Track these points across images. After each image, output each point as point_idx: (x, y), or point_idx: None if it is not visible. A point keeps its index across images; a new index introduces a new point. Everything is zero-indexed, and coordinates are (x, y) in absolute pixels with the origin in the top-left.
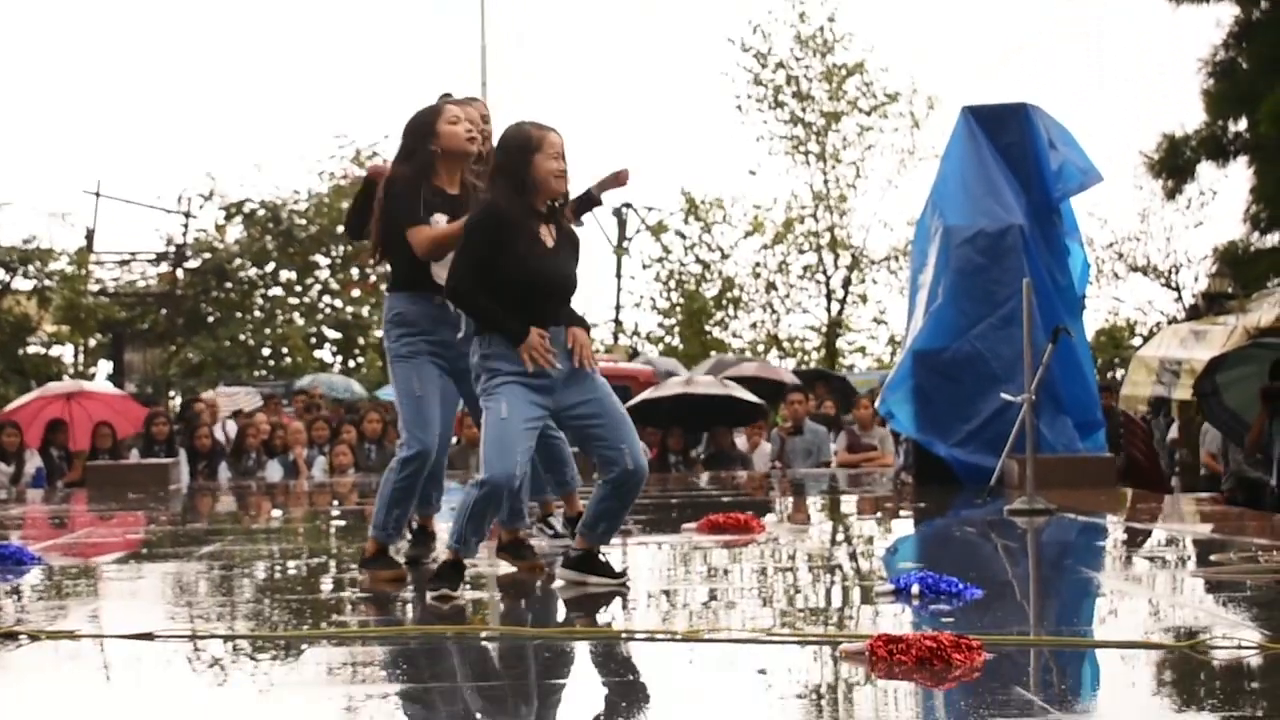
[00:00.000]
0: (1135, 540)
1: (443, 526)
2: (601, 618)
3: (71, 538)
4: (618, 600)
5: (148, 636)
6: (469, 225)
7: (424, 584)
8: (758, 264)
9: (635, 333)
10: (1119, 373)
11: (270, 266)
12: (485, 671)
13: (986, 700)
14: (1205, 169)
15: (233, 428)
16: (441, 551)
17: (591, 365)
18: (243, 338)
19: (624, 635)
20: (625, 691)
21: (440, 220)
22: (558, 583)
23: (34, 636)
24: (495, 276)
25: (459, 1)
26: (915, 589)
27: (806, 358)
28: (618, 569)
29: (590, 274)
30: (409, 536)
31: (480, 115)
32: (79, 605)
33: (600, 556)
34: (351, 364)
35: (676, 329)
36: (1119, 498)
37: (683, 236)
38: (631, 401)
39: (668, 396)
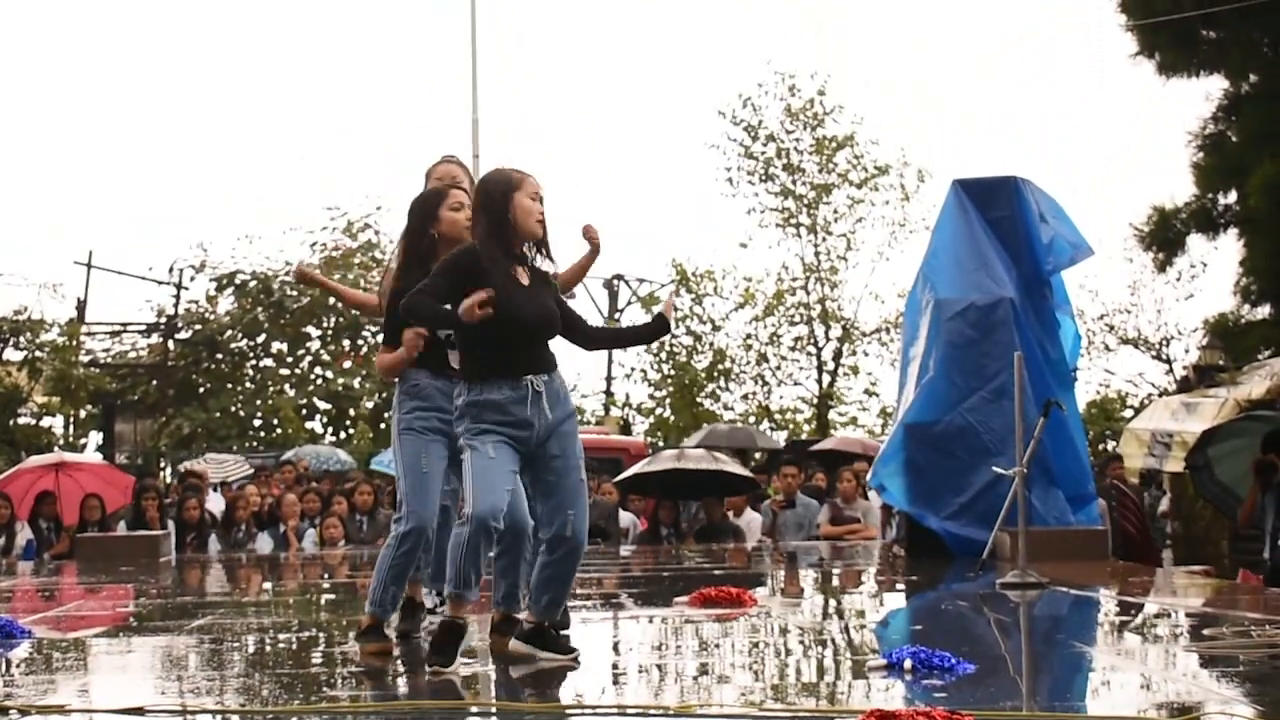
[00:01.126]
0: (1128, 614)
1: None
2: (595, 692)
3: (61, 610)
4: (610, 674)
5: (139, 711)
6: (445, 260)
7: (416, 657)
8: (749, 335)
9: (626, 404)
10: (1110, 444)
11: (261, 338)
12: None
13: None
14: (1195, 241)
15: (218, 499)
16: (429, 619)
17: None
18: (234, 409)
19: (617, 710)
20: None
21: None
22: (512, 656)
23: (24, 712)
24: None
25: (451, 75)
26: (908, 663)
27: (798, 429)
28: (569, 646)
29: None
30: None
31: (456, 179)
32: (69, 679)
33: (552, 631)
34: (343, 435)
35: (668, 401)
36: (1111, 571)
37: (675, 309)
38: (623, 475)
39: (659, 471)
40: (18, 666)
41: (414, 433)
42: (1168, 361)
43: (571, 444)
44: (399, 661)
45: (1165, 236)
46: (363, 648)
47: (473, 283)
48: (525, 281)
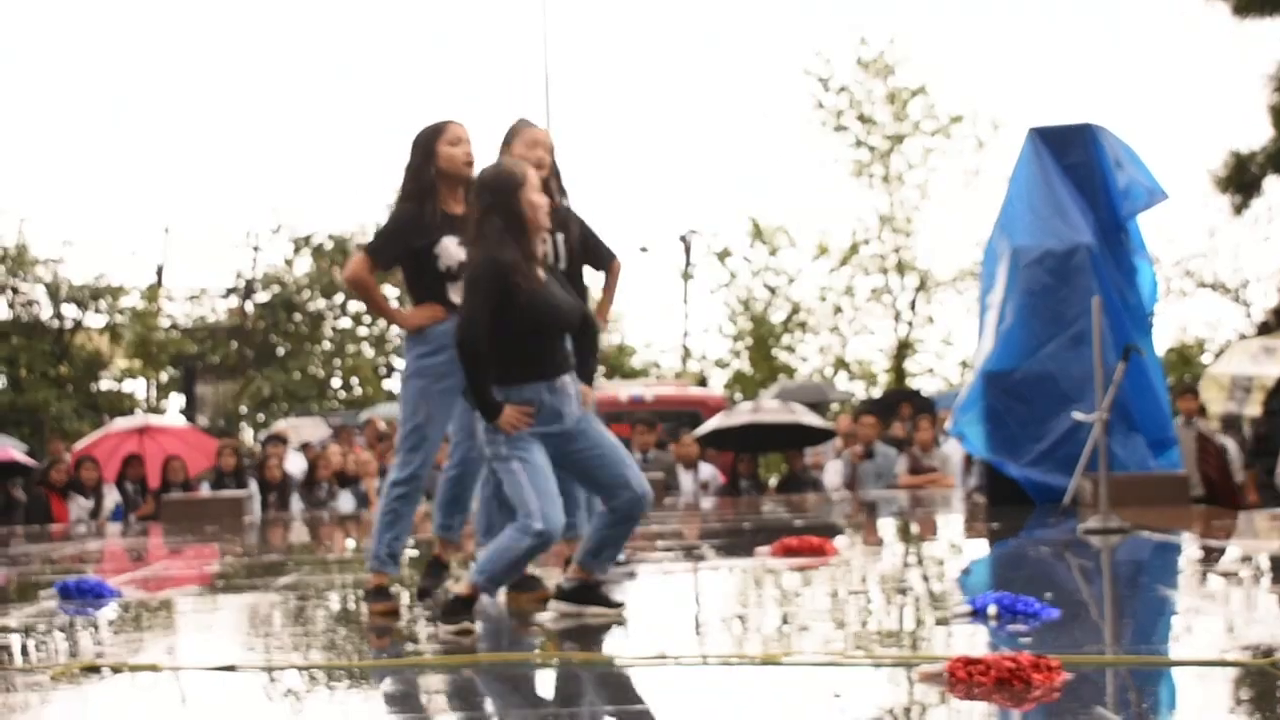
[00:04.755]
0: (1211, 557)
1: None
2: (679, 643)
3: (148, 571)
4: (694, 625)
5: (230, 669)
6: (474, 278)
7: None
8: (824, 287)
9: (703, 357)
10: None
11: (339, 298)
12: (567, 697)
13: None
14: (1273, 184)
15: (299, 459)
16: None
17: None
18: (312, 370)
19: (701, 660)
20: (704, 716)
21: (448, 243)
22: (550, 615)
23: (116, 669)
24: (518, 325)
25: (523, 32)
26: (992, 610)
27: (874, 380)
28: (613, 600)
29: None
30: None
31: (547, 146)
32: (158, 638)
33: (596, 587)
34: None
35: (744, 354)
36: (1193, 515)
37: (749, 261)
38: (701, 429)
39: (737, 425)
40: (108, 626)
41: (418, 378)
42: (1246, 305)
43: (595, 430)
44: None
45: (1242, 180)
46: (372, 607)
47: (508, 297)
48: (544, 280)
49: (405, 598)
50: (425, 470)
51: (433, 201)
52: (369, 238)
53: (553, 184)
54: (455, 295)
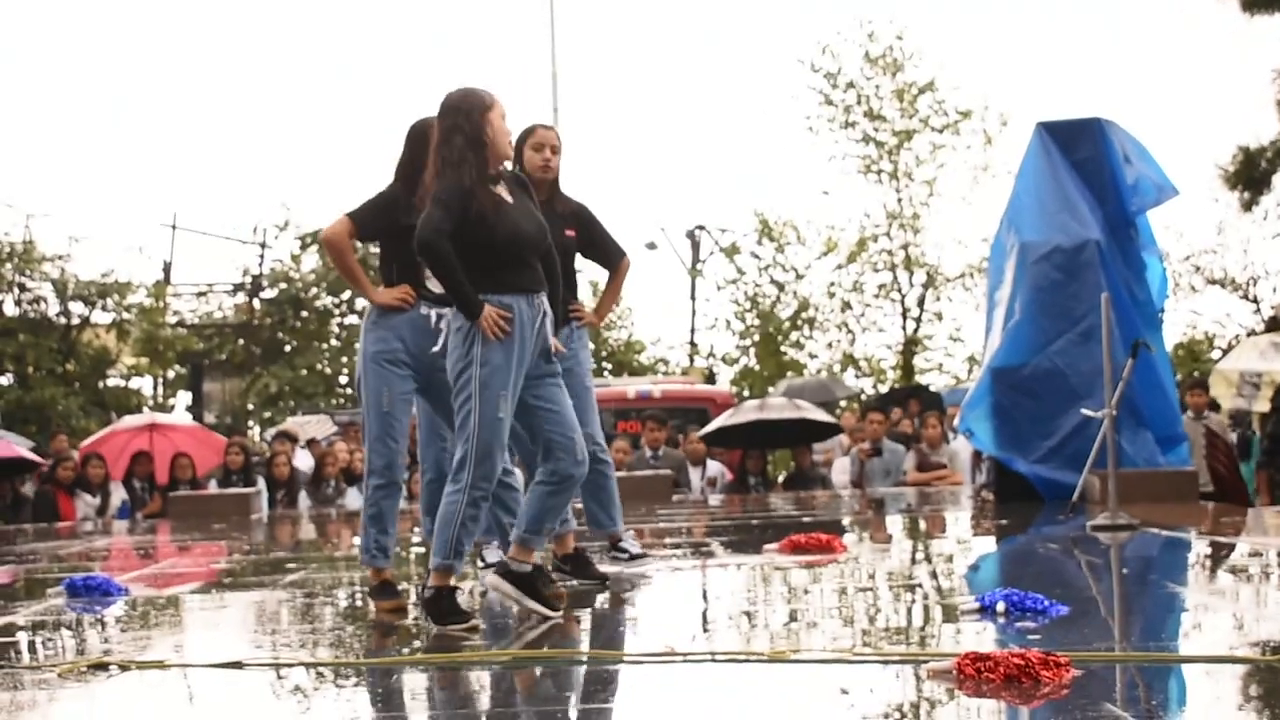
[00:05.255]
0: (1219, 554)
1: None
2: (687, 640)
3: (156, 568)
4: (701, 621)
5: (237, 665)
6: (435, 194)
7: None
8: (832, 284)
9: (711, 354)
10: None
11: (346, 295)
12: (577, 695)
13: (1077, 718)
14: None
15: (306, 456)
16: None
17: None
18: (320, 366)
19: (709, 656)
20: (712, 713)
21: None
22: (486, 590)
23: (124, 667)
24: (466, 242)
25: (529, 27)
26: (1001, 606)
27: (883, 376)
28: (556, 604)
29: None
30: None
31: (552, 146)
32: (166, 635)
33: (542, 582)
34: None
35: (752, 350)
36: (1202, 511)
37: (757, 258)
38: (707, 428)
39: (744, 423)
40: (116, 623)
41: (378, 365)
42: (1255, 301)
43: (559, 388)
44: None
45: (1251, 175)
46: (379, 603)
47: (466, 211)
48: (510, 198)
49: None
50: (400, 459)
51: (422, 187)
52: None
53: (557, 190)
54: (432, 284)
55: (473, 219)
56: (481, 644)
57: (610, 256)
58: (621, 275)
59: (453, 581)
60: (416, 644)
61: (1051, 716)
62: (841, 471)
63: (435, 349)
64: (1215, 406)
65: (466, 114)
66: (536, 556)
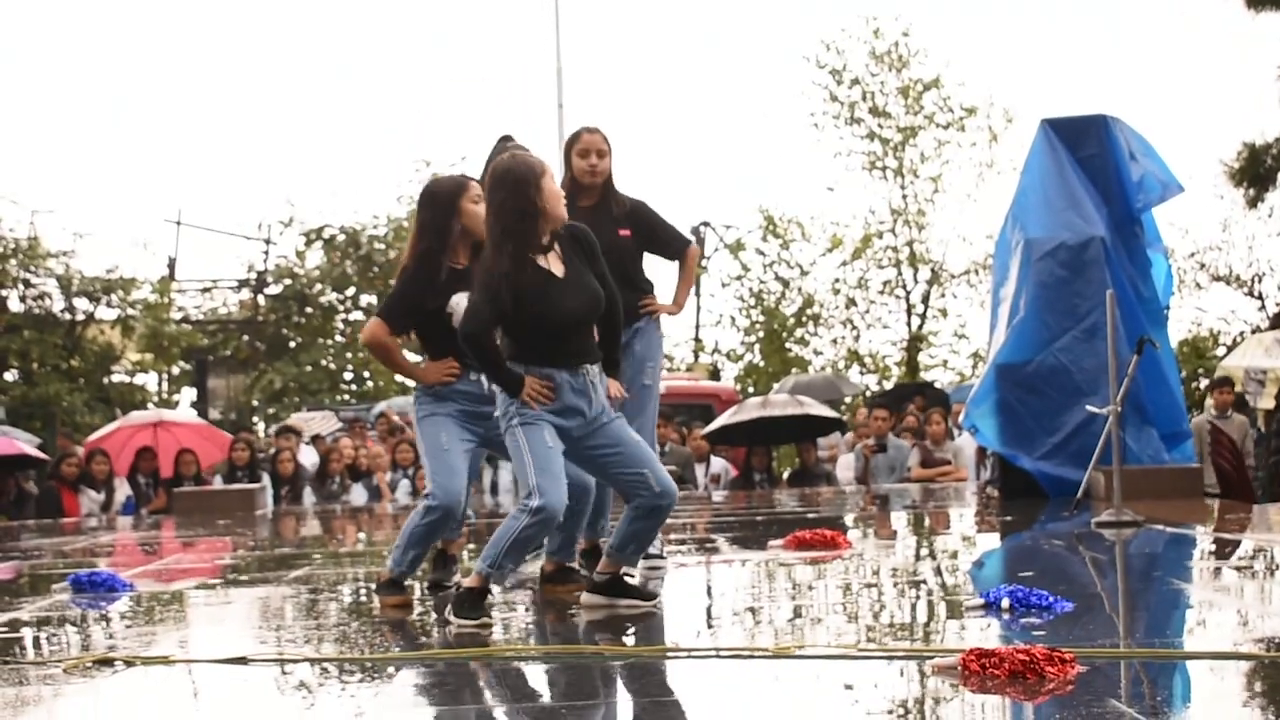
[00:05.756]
0: (1224, 551)
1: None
2: (691, 635)
3: (161, 564)
4: (706, 617)
5: (242, 661)
6: (480, 280)
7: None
8: (837, 280)
9: (715, 350)
10: (1203, 383)
11: (350, 291)
12: (579, 691)
13: (1081, 713)
14: None
15: (311, 452)
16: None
17: (618, 403)
18: (325, 362)
19: (714, 652)
20: (716, 708)
21: (459, 300)
22: (583, 609)
23: (129, 662)
24: (525, 320)
25: (534, 23)
26: (1005, 602)
27: (887, 373)
28: (649, 592)
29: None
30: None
31: (598, 150)
32: (171, 630)
33: (627, 579)
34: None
35: (757, 346)
36: (1207, 508)
37: (761, 254)
38: (710, 427)
39: (746, 420)
40: (121, 619)
41: (432, 417)
42: (1260, 298)
43: (617, 428)
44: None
45: (1256, 172)
46: (382, 600)
47: (509, 294)
48: (560, 270)
49: (416, 591)
50: (458, 496)
51: (445, 257)
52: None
53: (610, 191)
54: None
55: (517, 301)
56: (489, 639)
57: (673, 247)
58: (691, 263)
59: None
60: (421, 640)
61: (1056, 712)
62: (846, 467)
63: (497, 412)
64: (1241, 405)
65: (514, 187)
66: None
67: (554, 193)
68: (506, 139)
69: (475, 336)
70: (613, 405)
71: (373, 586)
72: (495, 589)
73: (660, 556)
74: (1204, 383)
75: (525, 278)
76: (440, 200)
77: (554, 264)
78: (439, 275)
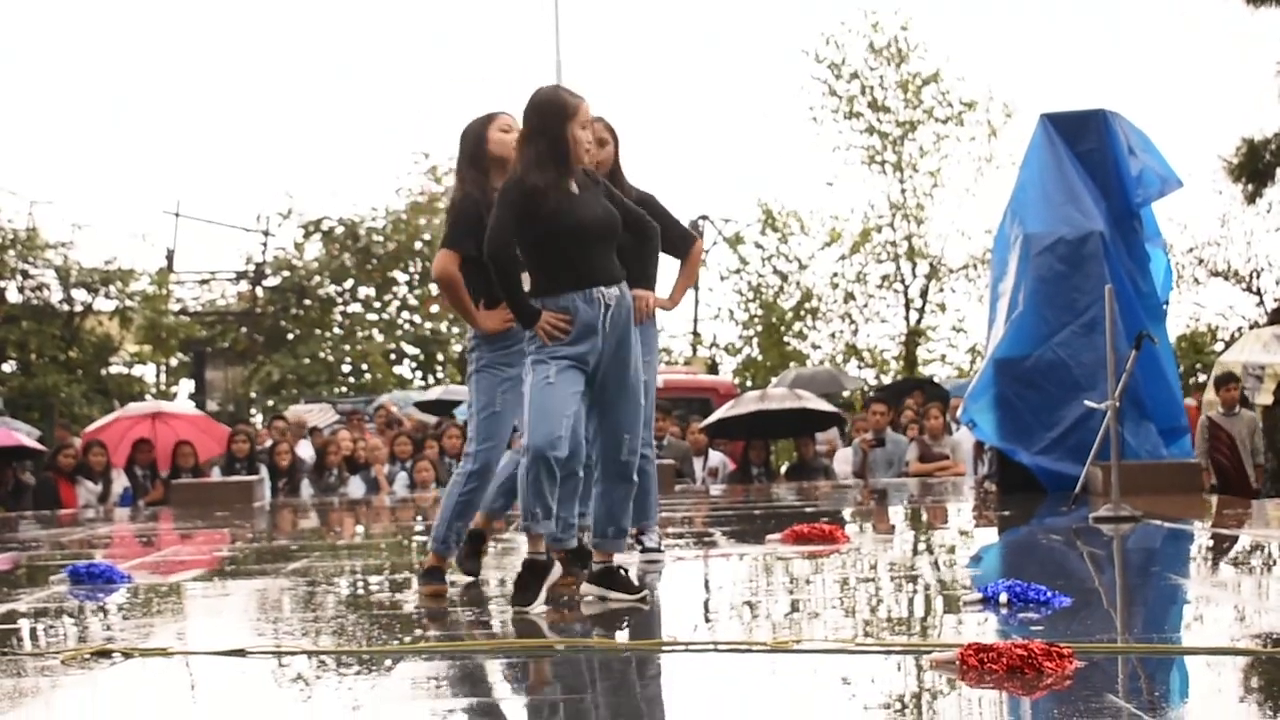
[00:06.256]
0: (1222, 546)
1: None
2: (689, 629)
3: (159, 556)
4: (704, 611)
5: (240, 653)
6: (503, 192)
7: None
8: (835, 274)
9: (714, 344)
10: (1200, 378)
11: (349, 283)
12: (576, 684)
13: (1079, 708)
14: None
15: (308, 445)
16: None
17: (648, 318)
18: (322, 355)
19: (711, 646)
20: (714, 702)
21: None
22: (584, 598)
23: (127, 654)
24: (530, 238)
25: (533, 16)
26: (1003, 597)
27: (885, 367)
28: (636, 586)
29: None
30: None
31: (599, 139)
32: (169, 622)
33: (621, 571)
34: (432, 380)
35: (755, 340)
36: (1205, 504)
37: (760, 248)
38: (708, 420)
39: (744, 414)
40: (118, 610)
41: (488, 371)
42: (1258, 293)
43: (628, 370)
44: (494, 600)
45: (1254, 168)
46: (422, 588)
47: (531, 207)
48: (576, 190)
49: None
50: (498, 458)
51: (486, 182)
52: (448, 229)
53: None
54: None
55: (537, 215)
56: (483, 633)
57: (679, 243)
58: (694, 260)
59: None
60: (420, 632)
61: (1054, 707)
62: (844, 462)
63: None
64: (1247, 402)
65: (550, 117)
66: (618, 557)
67: (580, 137)
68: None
69: (499, 256)
70: (642, 317)
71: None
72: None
73: (658, 550)
74: (1202, 378)
75: (551, 195)
76: (469, 133)
77: (571, 187)
78: (485, 196)
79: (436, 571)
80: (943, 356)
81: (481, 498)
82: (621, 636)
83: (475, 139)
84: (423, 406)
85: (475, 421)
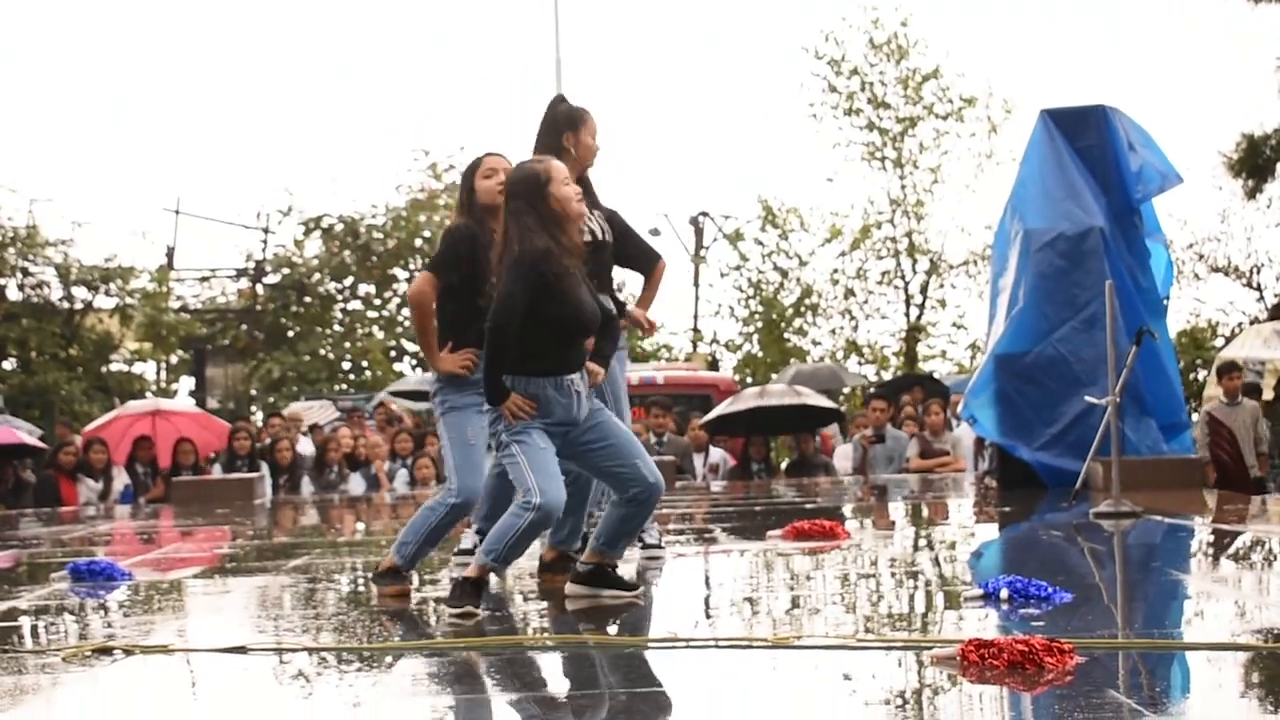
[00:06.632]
0: (1222, 541)
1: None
2: (690, 625)
3: (159, 553)
4: (704, 607)
5: (241, 650)
6: (515, 263)
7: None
8: (835, 270)
9: (714, 341)
10: (1201, 374)
11: (349, 281)
12: (577, 681)
13: (1080, 704)
14: None
15: (309, 442)
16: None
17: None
18: (323, 352)
19: (712, 642)
20: (715, 698)
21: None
22: (569, 600)
23: (128, 651)
24: (543, 318)
25: (534, 13)
26: (1004, 593)
27: (885, 364)
28: (631, 583)
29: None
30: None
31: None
32: (170, 619)
33: (612, 570)
34: (431, 377)
35: (756, 337)
36: (1205, 499)
37: (760, 244)
38: (708, 416)
39: (744, 410)
40: (119, 608)
41: (455, 410)
42: (1258, 289)
43: (606, 423)
44: (492, 600)
45: (1255, 163)
46: (381, 590)
47: (549, 293)
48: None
49: (415, 580)
50: (480, 488)
51: (474, 222)
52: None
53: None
54: None
55: (542, 289)
56: (484, 629)
57: (644, 261)
58: (657, 279)
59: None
60: (420, 629)
61: (1055, 703)
62: (844, 458)
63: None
64: (1253, 391)
65: (531, 194)
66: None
67: (565, 194)
68: (560, 99)
69: (501, 330)
70: (592, 389)
71: (370, 575)
72: (493, 580)
73: (659, 546)
74: (1203, 374)
75: (564, 273)
76: (465, 174)
77: (575, 268)
78: (483, 233)
79: (395, 572)
80: (943, 352)
81: (453, 526)
82: (622, 633)
83: (466, 183)
84: (400, 395)
85: (452, 453)
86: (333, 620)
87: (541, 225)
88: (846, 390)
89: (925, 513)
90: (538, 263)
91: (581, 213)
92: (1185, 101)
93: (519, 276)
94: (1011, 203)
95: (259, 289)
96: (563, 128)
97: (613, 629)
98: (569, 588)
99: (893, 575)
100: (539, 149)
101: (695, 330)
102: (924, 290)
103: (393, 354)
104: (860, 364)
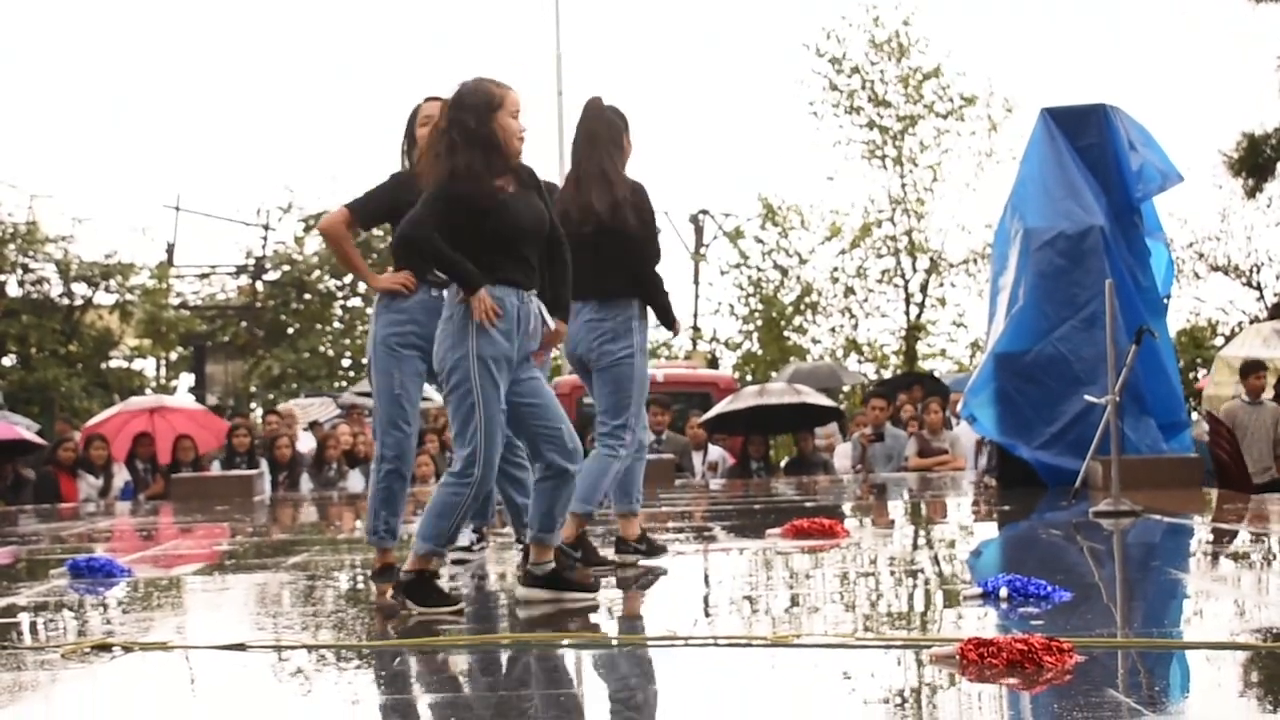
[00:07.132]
0: (1222, 541)
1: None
2: (689, 624)
3: (159, 549)
4: (703, 605)
5: (240, 647)
6: (434, 188)
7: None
8: (836, 269)
9: (714, 339)
10: (1201, 373)
11: (349, 277)
12: (576, 679)
13: (1079, 703)
14: None
15: (309, 438)
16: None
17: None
18: (323, 349)
19: (711, 641)
20: (714, 697)
21: None
22: (524, 603)
23: (127, 648)
24: (458, 236)
25: (534, 13)
26: (1003, 592)
27: (885, 362)
28: (590, 584)
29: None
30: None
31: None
32: (169, 616)
33: (567, 572)
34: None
35: (755, 335)
36: (1204, 498)
37: (760, 242)
38: (708, 414)
39: (743, 409)
40: (118, 604)
41: (388, 349)
42: (1258, 288)
43: (541, 382)
44: (502, 596)
45: (1255, 162)
46: (380, 588)
47: (463, 204)
48: (511, 189)
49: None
50: (411, 444)
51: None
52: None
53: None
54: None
55: (466, 212)
56: (477, 628)
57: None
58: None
59: (432, 566)
60: (417, 627)
61: (1054, 702)
62: (844, 456)
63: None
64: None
65: (474, 110)
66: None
67: (510, 126)
68: (599, 100)
69: (410, 236)
70: (545, 346)
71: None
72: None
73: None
74: (1202, 373)
75: (479, 188)
76: (407, 122)
77: (507, 184)
78: (413, 179)
79: (390, 569)
80: (943, 351)
81: (405, 484)
82: (621, 631)
83: (407, 132)
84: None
85: (383, 404)
86: (332, 617)
87: (468, 144)
88: (846, 389)
89: (924, 511)
90: (446, 196)
91: (518, 151)
92: (1185, 101)
93: (430, 200)
94: (1012, 201)
95: (259, 286)
96: (623, 128)
97: (613, 628)
98: (522, 591)
99: (892, 574)
100: (597, 155)
101: (695, 328)
102: (924, 289)
103: None
104: (860, 362)
